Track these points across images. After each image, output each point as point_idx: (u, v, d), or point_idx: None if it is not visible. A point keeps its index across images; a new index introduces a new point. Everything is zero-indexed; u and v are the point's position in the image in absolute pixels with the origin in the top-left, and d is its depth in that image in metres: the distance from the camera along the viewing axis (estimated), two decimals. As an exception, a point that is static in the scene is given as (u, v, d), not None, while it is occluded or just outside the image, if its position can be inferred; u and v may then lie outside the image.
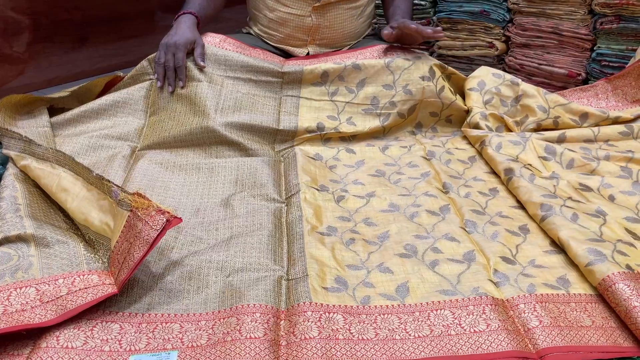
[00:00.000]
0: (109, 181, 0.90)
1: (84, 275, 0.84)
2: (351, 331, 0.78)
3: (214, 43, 1.39)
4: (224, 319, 0.79)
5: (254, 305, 0.81)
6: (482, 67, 1.48)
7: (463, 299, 0.83)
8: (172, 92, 1.33)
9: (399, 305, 0.83)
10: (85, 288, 0.81)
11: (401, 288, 0.87)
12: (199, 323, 0.79)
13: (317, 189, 1.14)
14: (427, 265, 0.92)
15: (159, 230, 0.79)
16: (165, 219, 0.80)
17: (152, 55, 1.38)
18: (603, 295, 0.82)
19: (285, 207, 1.09)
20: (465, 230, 1.01)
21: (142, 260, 0.80)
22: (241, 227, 1.00)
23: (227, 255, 0.91)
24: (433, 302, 0.83)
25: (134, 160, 1.23)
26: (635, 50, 1.41)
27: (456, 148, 1.33)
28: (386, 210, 1.08)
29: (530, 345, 0.75)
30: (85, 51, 1.78)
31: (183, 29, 1.36)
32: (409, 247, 0.96)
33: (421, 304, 0.83)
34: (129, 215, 0.84)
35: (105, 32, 1.82)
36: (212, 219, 1.03)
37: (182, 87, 1.33)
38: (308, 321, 0.79)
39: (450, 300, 0.83)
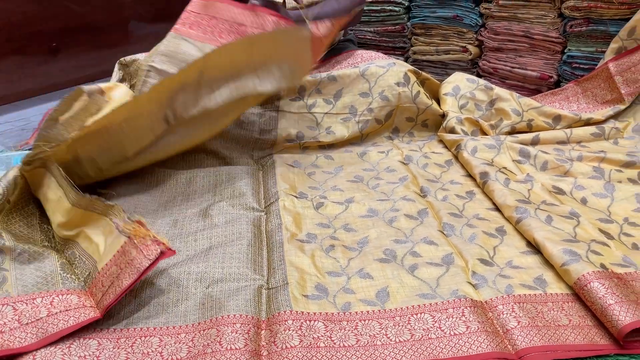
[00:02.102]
0: (114, 207, 0.89)
1: (62, 295, 0.83)
2: (332, 338, 0.78)
3: None
4: (204, 330, 0.79)
5: (234, 315, 0.80)
6: (457, 72, 1.50)
7: (442, 302, 0.84)
8: None
9: (379, 310, 0.83)
10: (66, 310, 0.80)
11: (381, 293, 0.87)
12: (179, 336, 0.78)
13: (296, 196, 1.14)
14: (407, 269, 0.92)
15: (152, 260, 0.80)
16: (159, 250, 0.81)
17: (124, 58, 1.38)
18: (579, 294, 0.84)
19: (265, 216, 1.08)
20: (443, 233, 1.02)
21: (130, 287, 0.80)
22: (220, 237, 1.00)
23: (206, 266, 0.91)
24: (413, 306, 0.84)
25: None
26: (604, 52, 1.44)
27: (433, 152, 1.35)
28: (365, 216, 1.08)
29: (509, 346, 0.76)
30: (58, 62, 1.75)
31: None
32: (389, 252, 0.97)
33: (401, 308, 0.84)
34: (125, 242, 0.84)
35: (79, 42, 1.80)
36: (191, 230, 1.02)
37: None
38: (289, 330, 0.78)
39: (430, 304, 0.84)
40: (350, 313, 0.83)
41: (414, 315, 0.82)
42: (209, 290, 0.86)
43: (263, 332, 0.80)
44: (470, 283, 0.88)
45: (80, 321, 0.78)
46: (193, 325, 0.80)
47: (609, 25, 1.44)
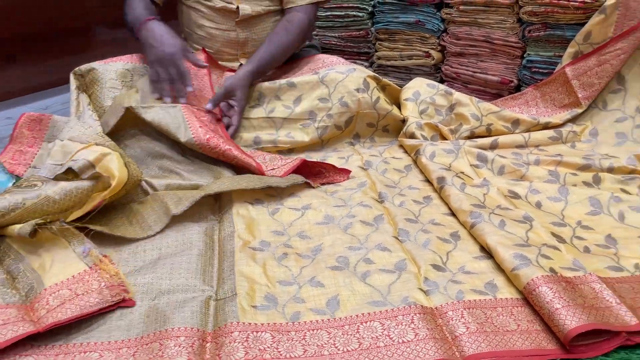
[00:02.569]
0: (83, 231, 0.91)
1: (1, 309, 0.80)
2: (279, 349, 0.76)
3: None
4: (146, 344, 0.77)
5: (179, 328, 0.78)
6: (417, 78, 1.50)
7: (392, 309, 0.83)
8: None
9: (329, 319, 0.82)
10: (4, 324, 0.77)
11: (332, 302, 0.86)
12: (120, 351, 0.76)
13: (251, 203, 1.12)
14: (359, 277, 0.91)
15: (114, 303, 0.82)
16: (123, 297, 0.83)
17: (79, 68, 1.36)
18: (528, 298, 0.84)
19: (218, 224, 1.07)
20: (398, 239, 1.01)
21: (84, 316, 0.80)
22: (171, 247, 0.98)
23: (154, 278, 0.89)
24: (363, 314, 0.83)
25: None
26: (562, 56, 1.45)
27: (393, 157, 1.34)
28: (321, 223, 1.07)
29: (457, 353, 0.76)
30: (14, 69, 1.71)
31: (165, 37, 1.28)
32: (341, 260, 0.96)
33: (351, 316, 0.82)
34: (85, 270, 0.85)
35: (36, 49, 1.76)
36: (141, 240, 1.00)
37: (192, 90, 1.30)
38: (235, 342, 0.77)
39: (380, 311, 0.83)
40: (299, 323, 0.82)
41: (363, 324, 0.81)
42: (155, 302, 0.84)
43: (208, 344, 0.78)
44: (421, 289, 0.88)
45: (19, 334, 0.75)
46: (136, 339, 0.78)
47: (566, 30, 1.45)
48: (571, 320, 0.76)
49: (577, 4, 1.38)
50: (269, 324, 0.81)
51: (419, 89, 1.45)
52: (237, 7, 1.42)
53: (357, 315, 0.82)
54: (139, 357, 0.75)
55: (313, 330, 0.80)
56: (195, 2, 1.45)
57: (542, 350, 0.76)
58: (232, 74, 1.41)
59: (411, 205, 1.12)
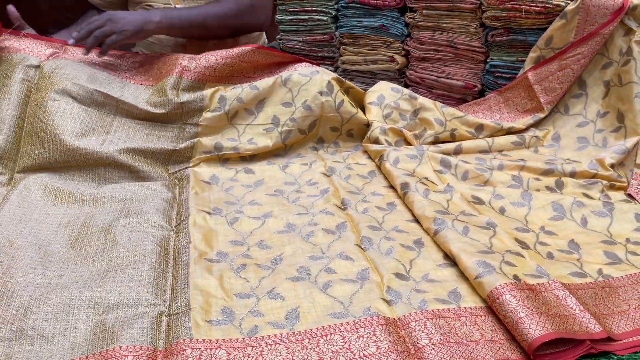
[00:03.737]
0: None
1: None
2: None
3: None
4: None
5: (127, 347, 0.73)
6: (381, 81, 1.48)
7: (354, 321, 0.80)
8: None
9: (287, 333, 0.79)
10: None
11: (291, 314, 0.82)
12: None
13: (209, 212, 1.08)
14: (320, 287, 0.88)
15: None
16: None
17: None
18: (492, 307, 0.82)
19: (174, 235, 1.02)
20: (360, 247, 0.98)
21: None
22: (121, 258, 0.92)
23: (102, 291, 0.83)
24: (323, 327, 0.79)
25: (12, 187, 1.12)
26: (524, 61, 1.45)
27: (356, 163, 1.32)
28: (282, 231, 1.04)
29: None
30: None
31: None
32: (302, 270, 0.92)
33: (311, 330, 0.79)
34: None
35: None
36: (90, 251, 0.95)
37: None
38: None
39: (341, 324, 0.80)
40: (256, 338, 0.78)
41: (324, 337, 0.78)
42: (102, 317, 0.79)
43: None
44: (384, 299, 0.85)
45: None
46: (80, 359, 0.73)
47: (528, 35, 1.45)
48: (534, 329, 0.74)
49: (539, 8, 1.39)
50: (224, 339, 0.77)
51: (384, 92, 1.43)
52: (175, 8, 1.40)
53: (317, 328, 0.79)
54: None
55: (271, 345, 0.77)
56: (139, 7, 1.43)
57: (506, 360, 0.74)
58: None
59: (374, 212, 1.10)
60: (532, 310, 0.77)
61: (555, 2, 1.37)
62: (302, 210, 1.11)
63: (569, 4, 1.35)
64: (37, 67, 1.27)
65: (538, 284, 0.84)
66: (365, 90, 1.48)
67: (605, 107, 1.33)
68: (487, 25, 1.51)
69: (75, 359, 0.73)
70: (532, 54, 1.42)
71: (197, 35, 1.48)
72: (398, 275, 0.91)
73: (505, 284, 0.82)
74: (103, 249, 0.95)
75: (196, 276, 0.89)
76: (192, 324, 0.78)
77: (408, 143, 1.36)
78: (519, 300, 0.79)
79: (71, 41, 1.29)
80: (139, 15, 1.34)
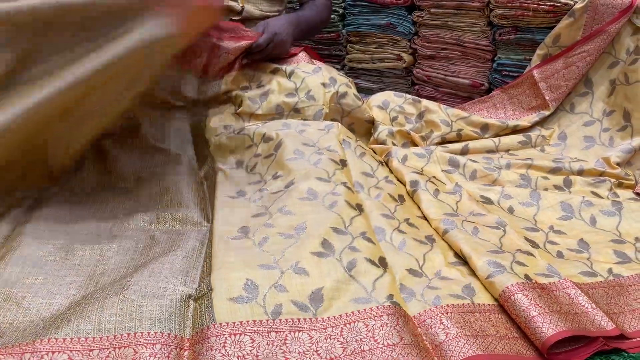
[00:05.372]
0: None
1: None
2: (258, 357, 0.73)
3: None
4: (119, 348, 0.72)
5: (155, 334, 0.73)
6: (384, 92, 1.48)
7: (377, 307, 0.79)
8: None
9: (310, 319, 0.78)
10: None
11: (315, 295, 0.80)
12: (91, 353, 0.71)
13: (234, 197, 1.10)
14: (344, 266, 0.86)
15: None
16: None
17: None
18: (504, 306, 0.83)
19: (208, 225, 1.04)
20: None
21: None
22: (159, 251, 0.94)
23: (132, 276, 0.84)
24: (347, 314, 0.79)
25: None
26: (532, 59, 1.46)
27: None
28: (304, 198, 1.02)
29: None
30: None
31: None
32: (326, 244, 0.89)
33: (334, 317, 0.78)
34: None
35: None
36: (130, 246, 0.97)
37: None
38: (212, 350, 0.71)
39: (365, 310, 0.79)
40: (280, 321, 0.77)
41: (347, 325, 0.76)
42: (130, 296, 0.78)
43: (186, 352, 0.73)
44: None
45: None
46: (108, 338, 0.73)
47: (536, 34, 1.46)
48: (547, 327, 0.75)
49: (547, 7, 1.39)
50: (248, 322, 0.76)
51: (387, 98, 1.44)
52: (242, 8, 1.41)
53: (340, 316, 0.78)
54: None
55: (294, 332, 0.76)
56: None
57: (523, 358, 0.75)
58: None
59: (387, 201, 1.09)
60: (544, 309, 0.78)
61: (564, 1, 1.38)
62: (324, 176, 1.08)
63: (577, 2, 1.36)
64: None
65: (549, 283, 0.86)
66: (372, 88, 1.48)
67: (612, 106, 1.34)
68: (495, 23, 1.52)
69: (102, 337, 0.73)
70: (540, 52, 1.43)
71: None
72: (411, 271, 0.91)
73: (517, 283, 0.83)
74: (142, 247, 0.98)
75: (219, 255, 0.89)
76: (214, 307, 0.77)
77: (415, 145, 1.37)
78: (530, 299, 0.80)
79: None
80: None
